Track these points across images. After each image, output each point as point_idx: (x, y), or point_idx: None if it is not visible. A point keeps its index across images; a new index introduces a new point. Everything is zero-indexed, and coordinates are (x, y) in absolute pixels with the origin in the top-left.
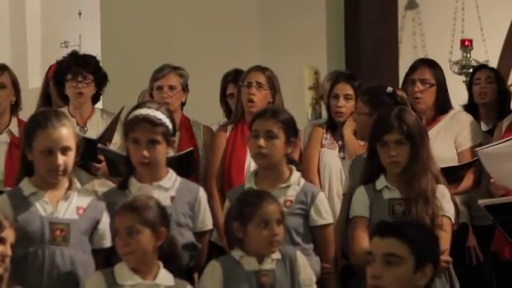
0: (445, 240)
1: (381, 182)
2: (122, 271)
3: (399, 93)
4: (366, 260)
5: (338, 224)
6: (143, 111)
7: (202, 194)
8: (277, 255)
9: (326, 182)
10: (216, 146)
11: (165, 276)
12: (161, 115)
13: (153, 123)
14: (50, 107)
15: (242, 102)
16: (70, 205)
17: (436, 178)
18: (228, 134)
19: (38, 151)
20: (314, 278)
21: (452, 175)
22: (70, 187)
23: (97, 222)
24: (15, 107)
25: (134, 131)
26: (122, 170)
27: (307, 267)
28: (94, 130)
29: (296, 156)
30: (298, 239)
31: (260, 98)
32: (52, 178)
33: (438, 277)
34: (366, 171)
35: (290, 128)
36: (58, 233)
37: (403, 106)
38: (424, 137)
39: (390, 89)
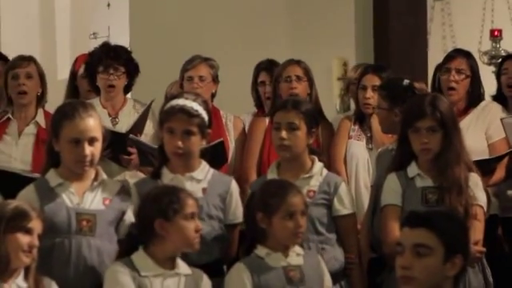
0: (478, 230)
1: (413, 170)
2: (143, 262)
3: (417, 85)
4: (396, 250)
5: (366, 216)
6: (180, 101)
7: (234, 186)
8: (300, 250)
9: (353, 174)
10: (255, 134)
11: (182, 265)
12: (197, 106)
13: (189, 114)
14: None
15: (282, 95)
16: (97, 195)
17: (468, 166)
18: (267, 123)
19: (65, 142)
20: (331, 284)
21: (484, 168)
22: (96, 178)
23: (123, 213)
24: (41, 99)
25: (169, 121)
26: (152, 160)
27: (327, 272)
28: (125, 121)
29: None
30: (321, 229)
31: (301, 91)
32: (79, 169)
33: (471, 267)
34: (396, 158)
35: (312, 118)
36: (84, 223)
37: (437, 93)
38: (456, 125)
39: (406, 81)
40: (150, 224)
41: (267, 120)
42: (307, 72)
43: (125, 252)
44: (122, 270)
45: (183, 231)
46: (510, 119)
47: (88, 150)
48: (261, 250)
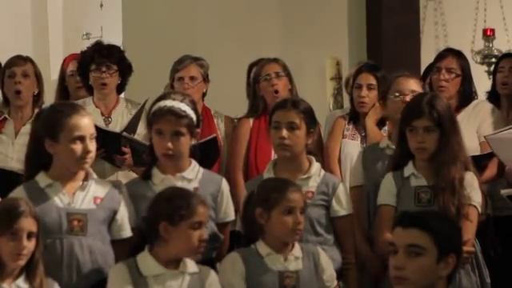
0: (469, 230)
1: (408, 169)
2: (146, 262)
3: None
4: (389, 250)
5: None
6: (168, 103)
7: (225, 184)
8: (298, 252)
9: (348, 173)
10: (240, 136)
11: (189, 263)
12: (185, 107)
13: (178, 115)
14: (67, 99)
15: (264, 95)
16: (87, 195)
17: (465, 165)
18: (251, 123)
19: (66, 141)
20: (335, 275)
21: (475, 164)
22: (86, 178)
23: (114, 212)
24: (37, 99)
25: (158, 123)
26: (146, 159)
27: (330, 264)
28: (118, 120)
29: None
30: (320, 230)
31: (282, 87)
32: (80, 167)
33: (461, 267)
34: (395, 157)
35: (311, 118)
36: (75, 223)
37: (436, 93)
38: (454, 125)
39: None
40: (156, 224)
41: (251, 121)
42: (285, 68)
43: (134, 248)
44: (122, 271)
45: (186, 239)
46: (494, 136)
47: (91, 145)
48: (263, 248)
